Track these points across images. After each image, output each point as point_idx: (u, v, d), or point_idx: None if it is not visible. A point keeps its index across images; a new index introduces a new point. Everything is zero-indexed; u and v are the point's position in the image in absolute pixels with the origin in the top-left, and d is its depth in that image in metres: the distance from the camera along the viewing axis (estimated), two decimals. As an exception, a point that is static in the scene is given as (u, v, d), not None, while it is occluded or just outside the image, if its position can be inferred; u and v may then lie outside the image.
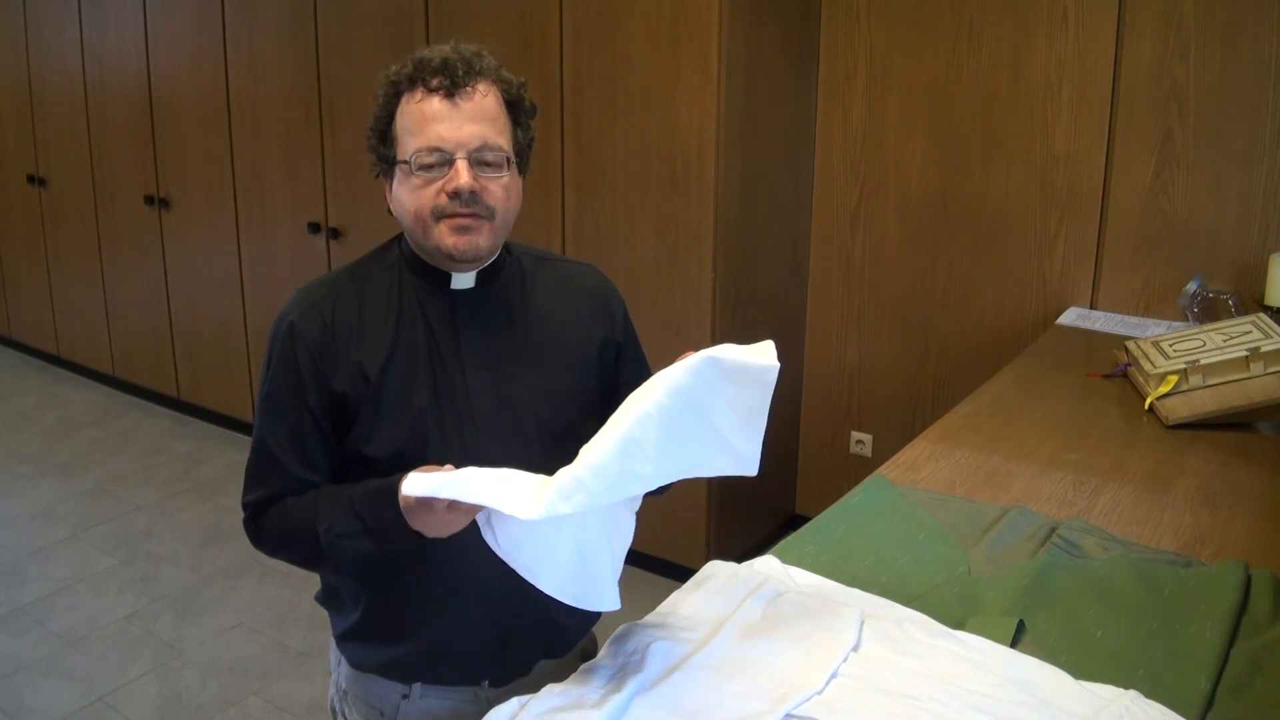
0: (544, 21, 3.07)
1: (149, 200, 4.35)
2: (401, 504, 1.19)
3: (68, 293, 4.93)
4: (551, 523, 1.08)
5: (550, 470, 1.19)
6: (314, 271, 3.80)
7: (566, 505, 1.05)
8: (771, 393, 1.14)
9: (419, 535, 1.21)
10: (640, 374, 1.52)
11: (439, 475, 1.13)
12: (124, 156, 4.42)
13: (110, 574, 3.27)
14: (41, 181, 4.87)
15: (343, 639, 1.46)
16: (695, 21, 2.79)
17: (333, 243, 3.79)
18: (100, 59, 4.40)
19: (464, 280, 1.38)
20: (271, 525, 1.35)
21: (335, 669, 1.51)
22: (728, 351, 1.13)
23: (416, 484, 1.14)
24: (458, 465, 1.27)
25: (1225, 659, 1.21)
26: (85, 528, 3.56)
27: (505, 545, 1.11)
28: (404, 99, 1.31)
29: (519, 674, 1.42)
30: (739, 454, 1.16)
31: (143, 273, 4.50)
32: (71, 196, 4.73)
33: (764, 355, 1.14)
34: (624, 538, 1.20)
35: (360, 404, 1.32)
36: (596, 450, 1.09)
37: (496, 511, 1.10)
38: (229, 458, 4.13)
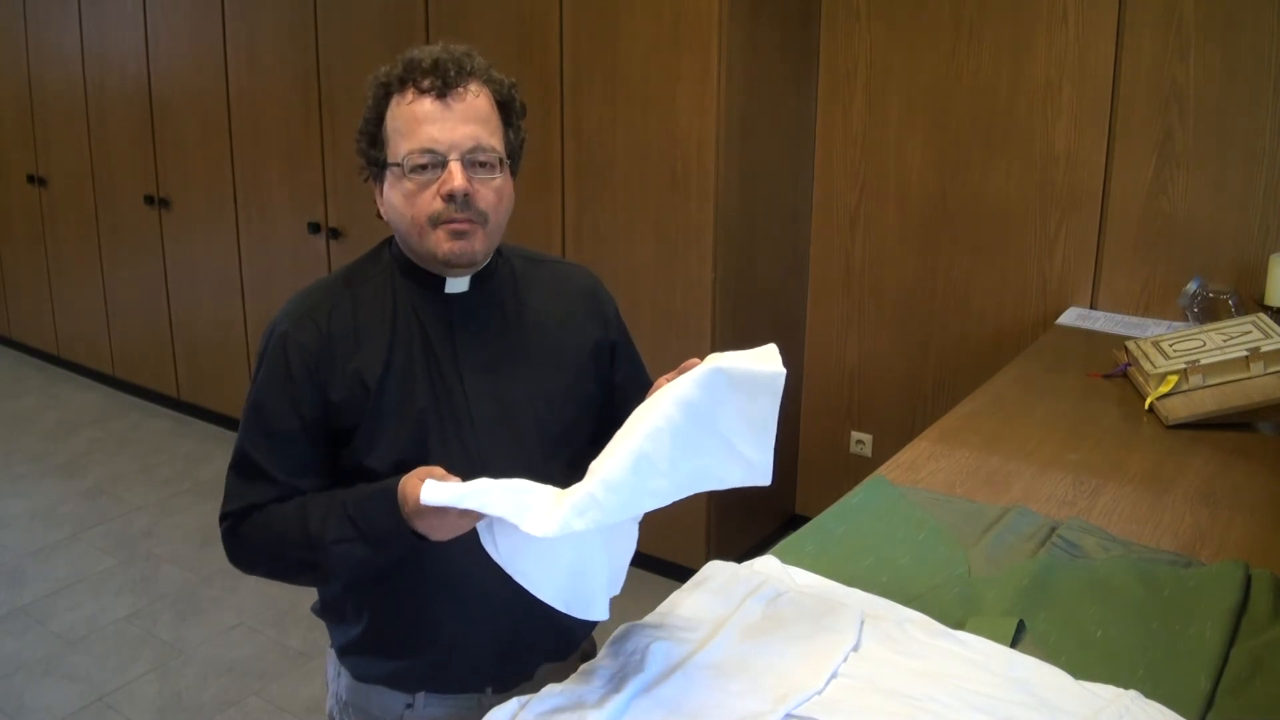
0: (544, 21, 3.07)
1: (149, 200, 4.35)
2: (410, 506, 1.17)
3: (68, 293, 4.93)
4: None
5: (549, 473, 1.18)
6: (314, 271, 3.80)
7: (580, 522, 1.05)
8: (779, 399, 1.13)
9: (419, 540, 1.19)
10: (636, 372, 1.51)
11: (456, 486, 1.11)
12: (124, 156, 4.42)
13: (110, 574, 3.27)
14: (41, 181, 4.86)
15: (344, 651, 1.43)
16: (695, 22, 2.79)
17: (333, 243, 3.79)
18: (100, 59, 4.40)
19: (458, 284, 1.36)
20: (254, 535, 1.32)
21: (334, 680, 1.49)
22: (733, 360, 1.12)
23: (434, 493, 1.11)
24: (458, 469, 1.26)
25: (1225, 659, 1.21)
26: (85, 528, 3.56)
27: (504, 551, 1.11)
28: (394, 100, 1.29)
29: (523, 679, 1.42)
30: (751, 463, 1.15)
31: (143, 273, 4.50)
32: (71, 196, 4.73)
33: (769, 361, 1.13)
34: (626, 547, 1.18)
35: (360, 414, 1.31)
36: (609, 466, 1.07)
37: (499, 518, 1.09)
38: (229, 458, 4.13)
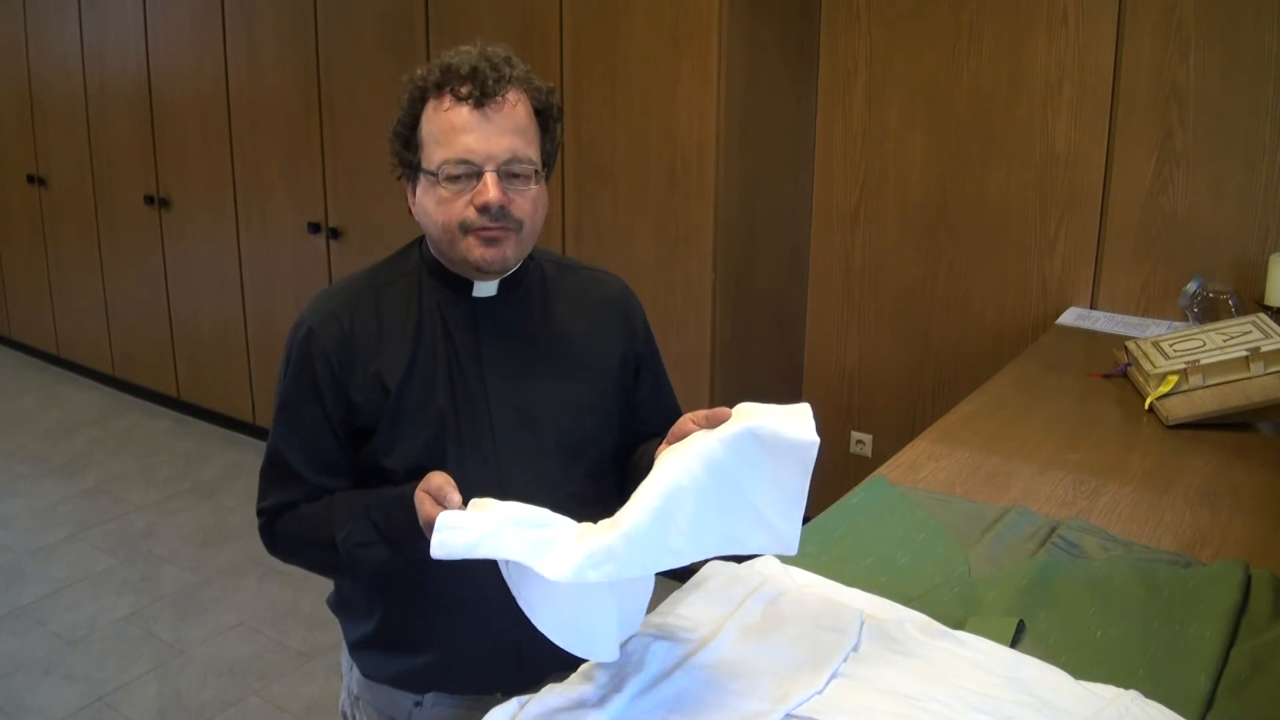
0: (544, 21, 3.07)
1: (149, 200, 4.35)
2: (421, 520, 1.17)
3: (68, 293, 4.93)
4: None
5: (566, 481, 1.15)
6: (314, 271, 3.80)
7: (595, 574, 1.03)
8: (811, 469, 1.09)
9: None
10: (659, 389, 1.50)
11: (468, 534, 1.06)
12: (124, 156, 4.42)
13: (110, 574, 3.27)
14: (41, 181, 4.86)
15: (355, 647, 1.44)
16: (695, 22, 2.79)
17: (333, 243, 3.78)
18: (100, 59, 4.40)
19: (486, 288, 1.36)
20: (287, 532, 1.34)
21: (347, 673, 1.50)
22: (764, 420, 1.09)
23: (447, 546, 1.05)
24: (475, 474, 1.25)
25: (1225, 659, 1.21)
26: (85, 528, 3.56)
27: (513, 574, 1.08)
28: (430, 105, 1.28)
29: (534, 686, 1.41)
30: (777, 532, 1.12)
31: (143, 273, 4.49)
32: (71, 196, 4.73)
33: (801, 424, 1.09)
34: (643, 589, 1.15)
35: (379, 415, 1.31)
36: (631, 519, 1.04)
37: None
38: (229, 458, 4.13)
